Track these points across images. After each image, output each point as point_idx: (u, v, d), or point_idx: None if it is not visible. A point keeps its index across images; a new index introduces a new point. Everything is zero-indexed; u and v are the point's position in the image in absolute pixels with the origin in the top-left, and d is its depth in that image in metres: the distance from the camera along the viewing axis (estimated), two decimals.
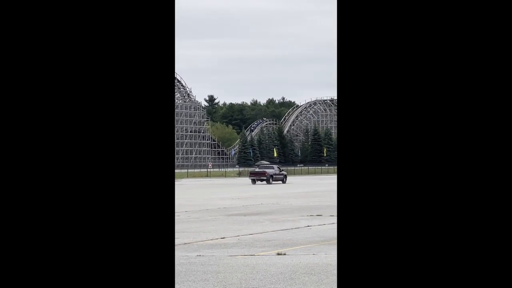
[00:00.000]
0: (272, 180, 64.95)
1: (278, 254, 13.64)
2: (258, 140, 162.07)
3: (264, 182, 64.56)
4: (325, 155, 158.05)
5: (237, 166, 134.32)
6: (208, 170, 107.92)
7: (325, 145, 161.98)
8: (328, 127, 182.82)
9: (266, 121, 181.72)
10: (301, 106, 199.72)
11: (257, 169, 70.13)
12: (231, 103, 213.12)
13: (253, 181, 65.74)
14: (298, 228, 19.30)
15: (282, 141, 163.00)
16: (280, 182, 65.72)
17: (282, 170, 70.48)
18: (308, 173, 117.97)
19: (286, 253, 13.72)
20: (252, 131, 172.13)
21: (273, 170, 67.58)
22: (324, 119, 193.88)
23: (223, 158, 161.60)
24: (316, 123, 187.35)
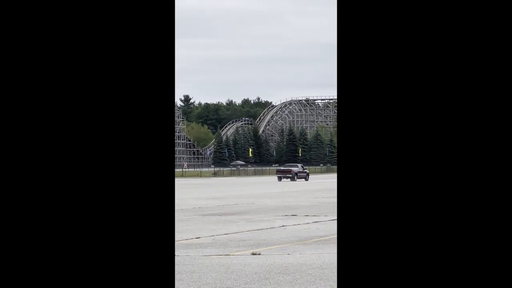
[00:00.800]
0: (297, 178, 71.35)
1: (253, 254, 13.64)
2: (233, 140, 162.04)
3: (289, 179, 71.11)
4: (300, 155, 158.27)
5: (212, 166, 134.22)
6: (184, 170, 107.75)
7: (300, 145, 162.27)
8: (303, 127, 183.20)
9: (242, 121, 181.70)
10: (276, 106, 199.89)
11: (282, 168, 77.84)
12: (206, 103, 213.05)
13: (279, 179, 72.31)
14: (273, 228, 19.31)
15: (257, 141, 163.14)
16: (303, 179, 72.11)
17: (305, 169, 77.46)
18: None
19: (261, 253, 13.72)
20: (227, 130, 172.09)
21: (298, 168, 74.81)
22: (299, 119, 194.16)
23: (198, 158, 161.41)
24: (291, 123, 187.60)
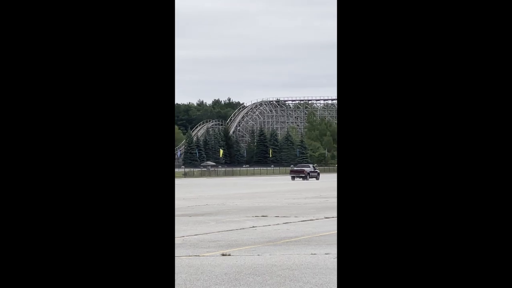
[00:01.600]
0: (309, 177, 78.44)
1: (223, 255, 13.63)
2: (204, 140, 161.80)
3: (301, 178, 78.16)
4: (270, 156, 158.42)
5: (182, 166, 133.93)
6: None
7: (270, 146, 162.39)
8: (274, 128, 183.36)
9: (212, 122, 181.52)
10: (247, 107, 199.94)
11: (296, 168, 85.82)
12: (177, 104, 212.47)
13: (293, 178, 79.48)
14: (243, 228, 19.31)
15: (228, 141, 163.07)
16: (314, 178, 78.84)
17: (316, 169, 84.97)
18: (254, 174, 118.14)
19: (231, 254, 13.72)
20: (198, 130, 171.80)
21: (310, 168, 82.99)
22: (270, 120, 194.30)
23: None
24: (262, 124, 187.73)
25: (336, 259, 12.89)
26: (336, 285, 10.30)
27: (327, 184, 62.96)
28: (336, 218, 23.64)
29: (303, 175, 79.41)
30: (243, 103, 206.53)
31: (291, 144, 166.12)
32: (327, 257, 13.15)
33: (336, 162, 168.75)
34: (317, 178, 79.54)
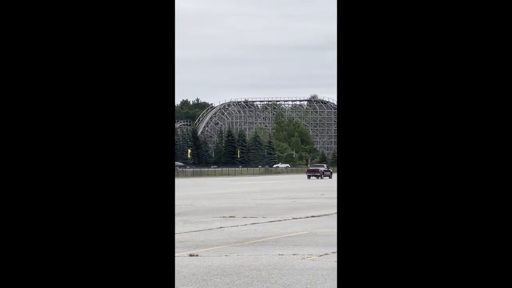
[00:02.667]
0: (323, 176, 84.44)
1: (191, 255, 13.62)
2: None
3: (315, 177, 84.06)
4: (238, 156, 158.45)
5: None
6: None
7: (238, 147, 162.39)
8: (242, 129, 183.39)
9: (180, 122, 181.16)
10: (215, 107, 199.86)
11: (311, 167, 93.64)
12: None
13: (309, 177, 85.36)
14: (211, 229, 19.31)
15: (196, 142, 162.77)
16: (328, 177, 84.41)
17: (329, 168, 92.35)
18: (222, 174, 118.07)
19: (199, 255, 13.71)
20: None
21: (324, 167, 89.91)
22: (238, 120, 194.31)
23: None
24: (230, 125, 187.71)
25: (303, 260, 12.95)
26: (302, 286, 10.34)
27: (295, 185, 63.10)
28: (304, 219, 23.73)
29: (318, 174, 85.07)
30: (211, 104, 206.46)
31: (259, 145, 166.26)
32: (294, 258, 13.19)
33: (303, 162, 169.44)
34: (330, 177, 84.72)
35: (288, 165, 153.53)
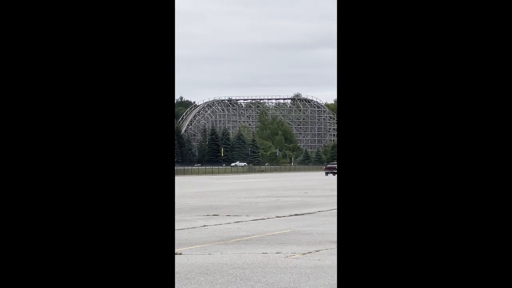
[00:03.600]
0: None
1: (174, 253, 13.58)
2: None
3: (331, 174, 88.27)
4: (222, 155, 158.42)
5: None
6: None
7: (222, 145, 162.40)
8: (226, 127, 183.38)
9: None
10: (199, 106, 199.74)
11: (329, 165, 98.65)
12: None
13: (326, 174, 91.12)
14: (195, 227, 19.28)
15: (179, 140, 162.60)
16: None
17: None
18: (206, 172, 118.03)
19: (182, 253, 13.69)
20: None
21: None
22: (222, 119, 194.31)
23: None
24: (214, 123, 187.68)
25: (287, 258, 12.96)
26: (286, 284, 10.34)
27: (279, 183, 63.15)
28: (288, 217, 23.73)
29: (335, 171, 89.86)
30: (194, 102, 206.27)
31: (242, 143, 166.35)
32: (278, 256, 13.19)
33: (287, 161, 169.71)
34: None
35: (245, 163, 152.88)
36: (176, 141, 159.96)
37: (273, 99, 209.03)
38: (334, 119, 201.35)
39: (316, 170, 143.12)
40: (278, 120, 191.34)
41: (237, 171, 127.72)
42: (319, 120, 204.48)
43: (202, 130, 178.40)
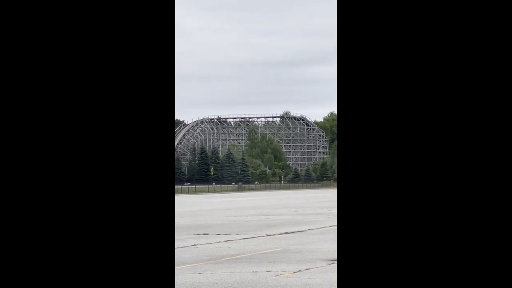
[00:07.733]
0: None
1: None
2: None
3: None
4: (212, 173, 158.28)
5: None
6: None
7: (212, 164, 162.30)
8: (215, 146, 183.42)
9: None
10: (188, 124, 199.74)
11: None
12: None
13: None
14: (185, 247, 19.25)
15: None
16: None
17: None
18: (196, 191, 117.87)
19: None
20: None
21: None
22: (211, 137, 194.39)
23: None
24: (203, 142, 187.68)
25: (277, 276, 12.95)
26: None
27: (268, 201, 63.11)
28: (278, 235, 23.72)
29: None
30: (183, 121, 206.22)
31: (232, 162, 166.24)
32: (268, 275, 13.19)
33: (276, 179, 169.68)
34: None
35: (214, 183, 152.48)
36: None
37: (262, 117, 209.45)
38: (324, 136, 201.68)
39: (306, 188, 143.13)
40: (267, 138, 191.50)
41: (227, 189, 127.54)
42: (308, 138, 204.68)
43: (192, 149, 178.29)
